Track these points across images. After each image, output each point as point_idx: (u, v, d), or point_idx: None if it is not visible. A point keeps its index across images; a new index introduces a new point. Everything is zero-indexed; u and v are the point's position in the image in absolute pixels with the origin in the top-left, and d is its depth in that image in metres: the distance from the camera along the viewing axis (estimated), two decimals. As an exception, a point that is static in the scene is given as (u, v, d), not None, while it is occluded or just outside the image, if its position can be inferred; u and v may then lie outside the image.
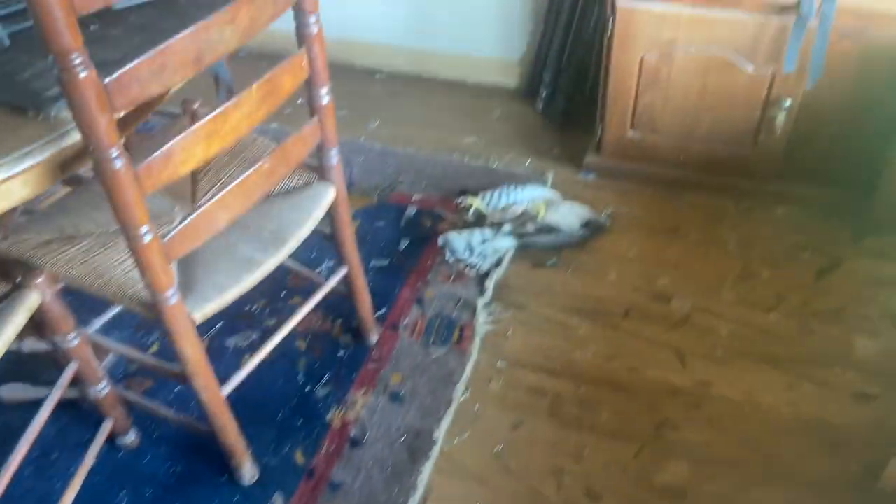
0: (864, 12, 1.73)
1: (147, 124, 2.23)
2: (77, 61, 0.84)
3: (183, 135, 1.03)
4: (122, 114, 1.09)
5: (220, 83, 1.97)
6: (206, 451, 1.56)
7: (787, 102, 1.91)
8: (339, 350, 1.80)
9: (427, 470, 1.54)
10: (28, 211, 1.69)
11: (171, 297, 1.16)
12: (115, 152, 0.93)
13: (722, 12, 1.84)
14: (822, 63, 1.78)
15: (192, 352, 1.26)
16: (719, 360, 1.72)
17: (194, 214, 1.13)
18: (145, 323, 1.87)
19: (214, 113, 1.06)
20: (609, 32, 1.97)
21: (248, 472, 1.51)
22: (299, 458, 1.57)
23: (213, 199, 1.15)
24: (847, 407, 1.61)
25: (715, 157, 2.11)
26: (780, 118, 1.94)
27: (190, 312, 1.21)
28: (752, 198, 2.13)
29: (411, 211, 2.20)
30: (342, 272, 1.64)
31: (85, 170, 1.61)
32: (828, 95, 1.89)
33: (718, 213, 2.12)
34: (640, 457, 1.55)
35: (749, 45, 1.86)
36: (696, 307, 1.85)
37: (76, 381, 1.46)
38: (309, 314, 1.77)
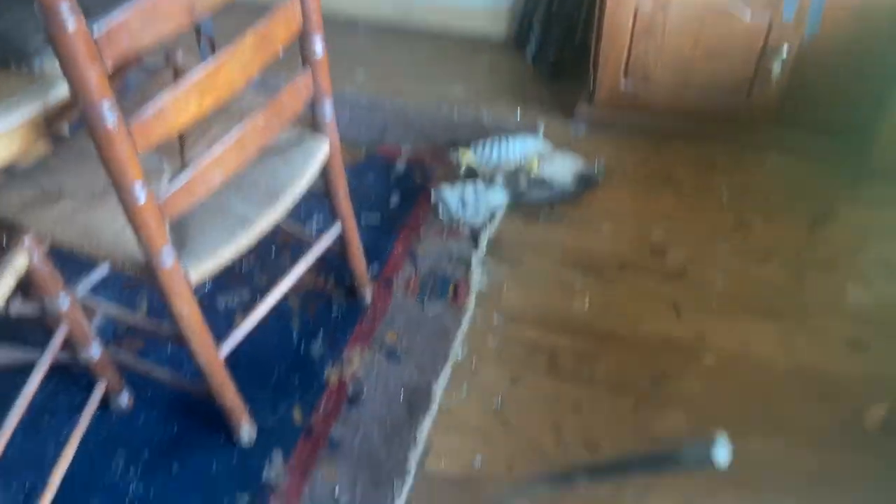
0: (865, -43, 1.69)
1: (125, 80, 2.15)
2: (65, 11, 0.79)
3: (176, 89, 0.98)
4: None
5: (202, 36, 1.89)
6: (201, 412, 1.55)
7: (784, 51, 1.88)
8: (333, 308, 1.77)
9: (426, 426, 1.54)
10: (7, 170, 1.62)
11: (167, 257, 1.12)
12: (106, 107, 0.88)
13: (720, -43, 1.79)
14: (820, 11, 1.75)
15: (189, 312, 1.23)
16: (715, 312, 1.73)
17: (189, 172, 1.08)
18: (132, 283, 1.82)
19: (208, 66, 1.01)
20: (603, -20, 1.92)
21: (247, 432, 1.50)
22: (297, 416, 1.56)
23: (208, 157, 1.11)
24: (840, 355, 1.62)
25: (709, 107, 2.08)
26: (777, 67, 1.91)
27: (186, 272, 1.18)
28: (746, 147, 2.12)
29: (401, 165, 2.15)
30: (337, 229, 1.60)
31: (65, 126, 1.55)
32: (825, 44, 1.87)
33: (712, 163, 2.11)
34: (638, 408, 1.56)
35: (748, -9, 1.82)
36: (690, 259, 1.85)
37: (67, 344, 1.42)
38: (303, 274, 1.74)
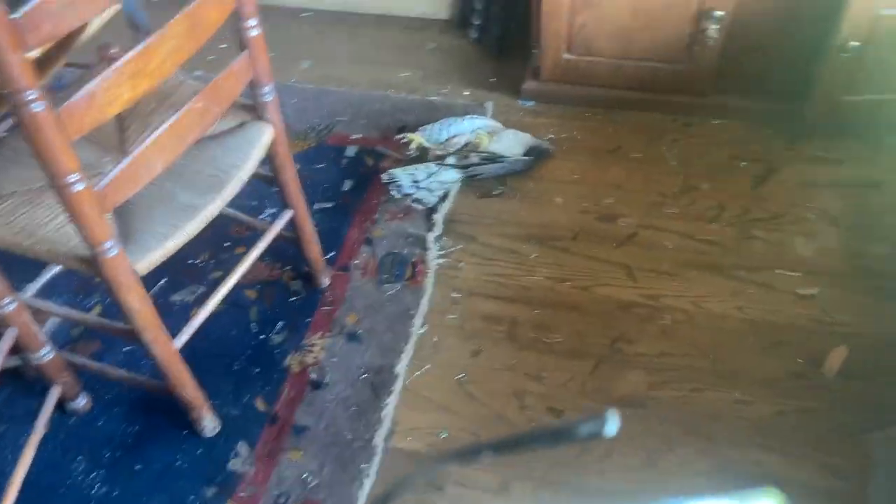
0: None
1: (59, 80, 2.10)
2: (-21, -7, 0.77)
3: (106, 74, 0.97)
4: (37, 52, 1.01)
5: (139, 30, 1.85)
6: (163, 408, 1.53)
7: (719, 15, 1.91)
8: (290, 296, 1.76)
9: (391, 404, 1.54)
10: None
11: (111, 249, 1.10)
12: (33, 94, 0.87)
13: (651, -76, 1.82)
14: (750, -29, 1.79)
15: (139, 305, 1.21)
16: (667, 273, 1.76)
17: (128, 159, 1.07)
18: (84, 285, 1.79)
19: (138, 49, 1.00)
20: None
21: (210, 423, 1.49)
22: (260, 405, 1.56)
23: (146, 143, 1.09)
24: (790, 306, 1.67)
25: (652, 75, 2.11)
26: (713, 31, 1.94)
27: (132, 264, 1.16)
28: (690, 113, 2.15)
29: (352, 151, 2.15)
30: (287, 216, 1.59)
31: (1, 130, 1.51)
32: (758, 6, 1.91)
33: (658, 130, 2.14)
34: (598, 372, 1.58)
35: (679, -42, 1.85)
36: (641, 224, 1.88)
37: (17, 349, 1.40)
38: (257, 263, 1.71)
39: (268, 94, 1.38)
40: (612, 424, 0.58)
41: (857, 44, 1.78)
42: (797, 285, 1.71)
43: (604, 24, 2.04)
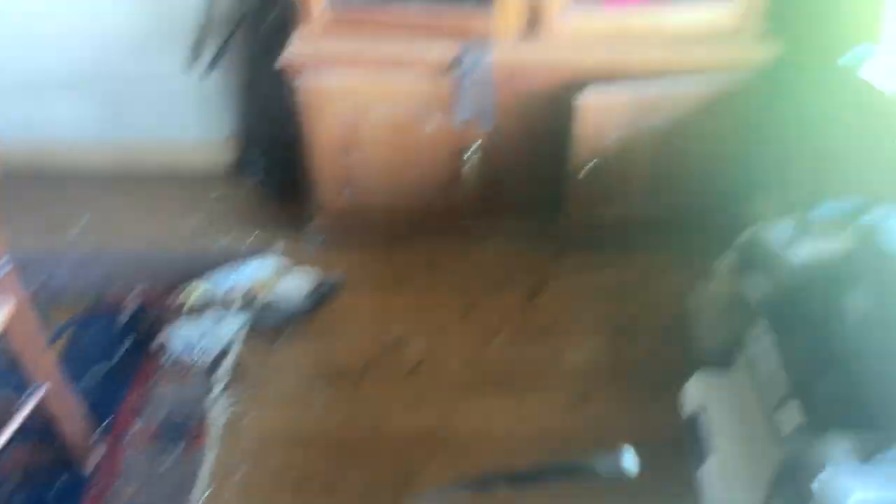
0: (516, 62, 1.95)
1: None
2: None
3: None
4: None
5: None
6: None
7: (475, 147, 2.08)
8: (56, 480, 1.60)
9: (170, 588, 1.41)
10: None
11: None
12: None
13: (398, 76, 1.97)
14: (491, 108, 1.98)
15: None
16: (455, 397, 1.80)
17: None
18: None
19: None
20: (298, 109, 2.03)
21: None
22: None
23: None
24: (568, 415, 1.76)
25: (425, 206, 2.23)
26: (472, 162, 2.11)
27: None
28: (466, 237, 2.28)
29: (130, 311, 2.05)
30: (39, 393, 1.47)
31: None
32: (508, 134, 2.10)
33: (439, 256, 2.25)
34: (394, 510, 1.56)
35: (428, 102, 2.01)
36: (428, 349, 1.93)
37: None
38: (15, 448, 1.56)
39: (1, 266, 1.30)
40: (629, 460, 0.58)
41: (588, 166, 2.00)
42: (571, 393, 1.80)
43: (373, 163, 2.15)
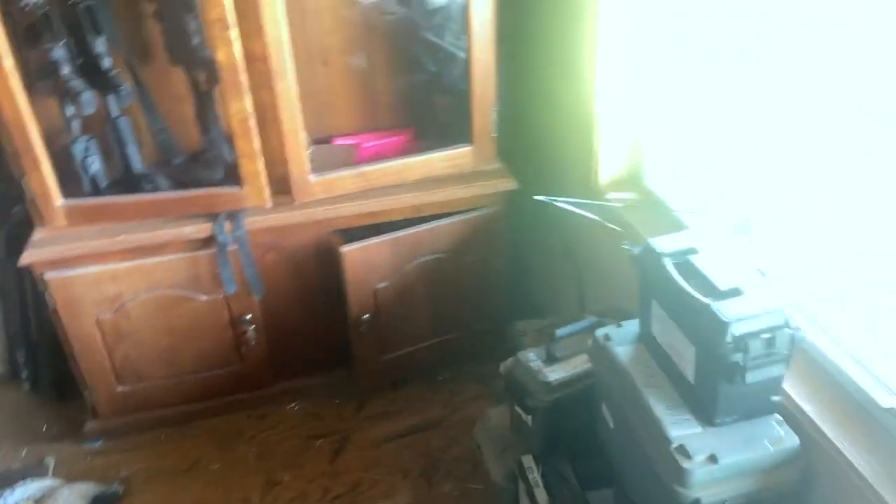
0: (275, 227, 1.96)
1: None
2: None
3: None
4: None
5: None
6: None
7: (250, 316, 2.04)
8: None
9: None
10: None
11: None
12: None
13: (153, 259, 1.91)
14: (257, 276, 1.96)
15: None
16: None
17: None
18: None
19: None
20: (51, 305, 1.90)
21: None
22: None
23: None
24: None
25: (211, 382, 2.13)
26: (252, 331, 2.06)
27: None
28: (260, 406, 2.19)
29: None
30: None
31: None
32: (285, 295, 2.07)
33: (234, 431, 2.13)
34: None
35: (191, 279, 1.95)
36: (227, 542, 1.79)
37: None
38: None
39: None
40: None
41: (366, 316, 2.02)
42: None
43: (146, 350, 2.04)
